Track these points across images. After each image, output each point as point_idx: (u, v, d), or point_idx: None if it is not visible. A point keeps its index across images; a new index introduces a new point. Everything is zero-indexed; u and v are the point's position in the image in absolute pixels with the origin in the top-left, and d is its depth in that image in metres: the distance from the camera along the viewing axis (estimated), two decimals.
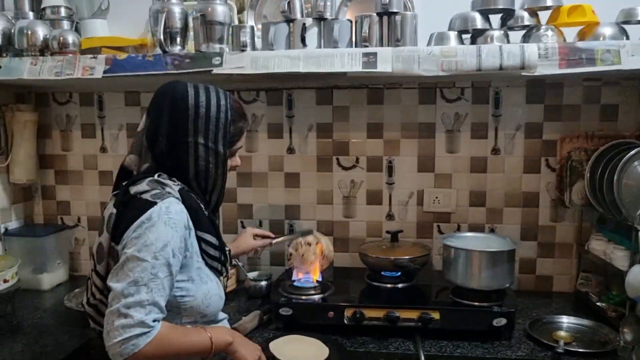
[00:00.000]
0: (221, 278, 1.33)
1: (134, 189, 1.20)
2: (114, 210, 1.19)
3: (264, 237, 1.80)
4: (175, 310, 1.20)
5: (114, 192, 1.27)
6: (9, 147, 2.10)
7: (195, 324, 1.25)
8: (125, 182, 1.24)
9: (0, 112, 2.09)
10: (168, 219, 1.14)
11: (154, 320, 1.10)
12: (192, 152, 1.23)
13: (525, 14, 1.70)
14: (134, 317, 1.07)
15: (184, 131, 1.23)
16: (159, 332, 1.10)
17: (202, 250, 1.25)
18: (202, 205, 1.27)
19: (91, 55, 1.77)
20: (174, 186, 1.21)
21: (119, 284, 1.09)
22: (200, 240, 1.24)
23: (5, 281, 1.79)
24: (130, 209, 1.17)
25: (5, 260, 1.90)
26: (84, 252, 2.29)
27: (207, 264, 1.26)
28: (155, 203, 1.14)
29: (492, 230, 2.03)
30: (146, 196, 1.16)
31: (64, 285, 2.17)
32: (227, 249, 1.37)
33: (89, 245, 2.28)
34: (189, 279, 1.21)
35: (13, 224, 2.17)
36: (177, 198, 1.19)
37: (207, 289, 1.25)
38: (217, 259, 1.29)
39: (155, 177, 1.22)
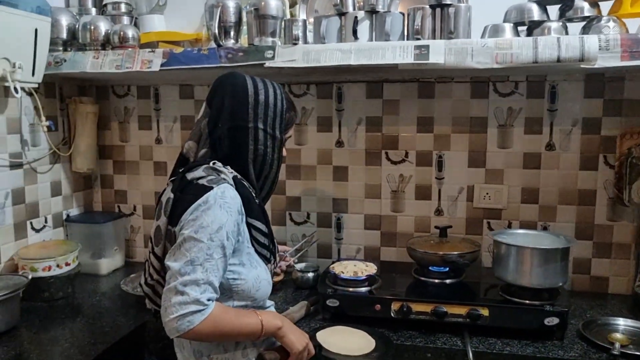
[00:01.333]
0: (269, 265, 1.36)
1: (190, 175, 1.24)
2: (172, 195, 1.23)
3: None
4: (227, 293, 1.24)
5: (171, 178, 1.32)
6: (71, 138, 2.21)
7: (245, 307, 1.28)
8: (182, 169, 1.29)
9: (64, 104, 2.19)
10: (223, 203, 1.17)
11: (209, 300, 1.14)
12: (252, 136, 1.29)
13: (586, 5, 1.64)
14: (190, 295, 1.11)
15: (244, 117, 1.28)
16: (213, 311, 1.14)
17: (252, 237, 1.28)
18: (254, 194, 1.30)
19: (149, 49, 1.84)
20: (228, 173, 1.25)
21: (176, 263, 1.14)
22: (250, 227, 1.27)
23: (67, 264, 1.89)
24: (186, 193, 1.21)
25: (67, 245, 2.00)
26: (139, 240, 2.38)
27: (256, 250, 1.30)
28: (212, 188, 1.18)
29: (545, 228, 1.98)
30: (202, 181, 1.20)
31: (120, 270, 2.26)
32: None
33: (143, 232, 2.37)
34: (240, 263, 1.25)
35: (74, 211, 2.28)
36: (231, 184, 1.23)
37: (257, 274, 1.28)
38: (266, 247, 1.32)
39: (211, 164, 1.26)
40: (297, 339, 1.28)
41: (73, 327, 1.68)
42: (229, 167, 1.28)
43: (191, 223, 1.16)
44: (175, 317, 1.11)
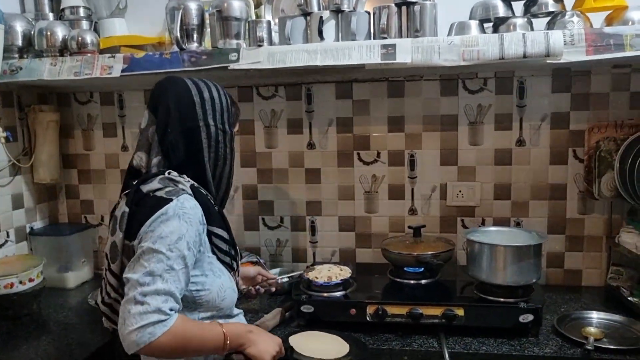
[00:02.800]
0: (232, 273, 1.33)
1: (145, 188, 1.21)
2: (127, 209, 1.20)
3: (267, 278, 1.73)
4: (191, 306, 1.21)
5: (124, 192, 1.27)
6: (32, 148, 2.13)
7: (211, 318, 1.25)
8: (136, 181, 1.25)
9: (24, 113, 2.11)
10: (183, 214, 1.15)
11: (171, 309, 1.10)
12: (205, 134, 1.28)
13: (550, 0, 1.64)
14: (151, 304, 1.07)
15: (194, 117, 1.27)
16: (175, 323, 1.10)
17: (213, 245, 1.26)
18: (212, 200, 1.29)
19: (109, 55, 1.78)
20: (185, 183, 1.23)
21: (135, 274, 1.10)
22: (211, 234, 1.25)
23: (30, 280, 1.81)
24: (143, 206, 1.17)
25: (30, 259, 1.92)
26: None
27: (218, 258, 1.27)
28: (171, 200, 1.16)
29: (517, 224, 1.98)
30: (160, 194, 1.18)
31: (89, 283, 2.19)
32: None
33: None
34: (202, 274, 1.22)
35: (38, 224, 2.20)
36: (190, 194, 1.20)
37: (221, 282, 1.26)
38: (228, 254, 1.30)
39: (166, 174, 1.23)
40: (264, 349, 1.24)
41: (38, 345, 1.61)
42: (184, 175, 1.25)
43: (149, 234, 1.13)
44: (135, 329, 1.05)
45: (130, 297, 1.08)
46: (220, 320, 1.25)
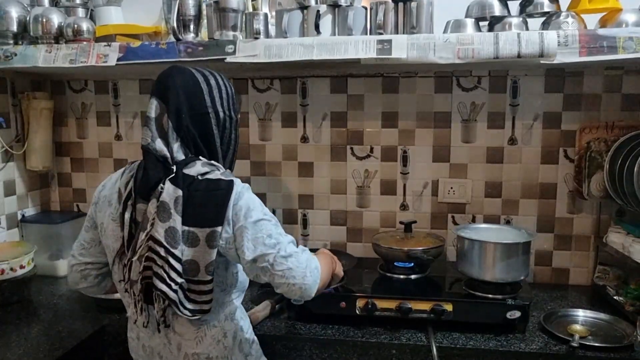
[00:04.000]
0: None
1: (192, 171, 1.22)
2: (180, 192, 1.19)
3: None
4: (228, 289, 1.28)
5: (169, 177, 1.21)
6: (25, 135, 2.12)
7: (239, 298, 1.35)
8: (175, 167, 1.22)
9: (17, 99, 2.10)
10: (248, 187, 1.24)
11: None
12: (214, 120, 1.29)
13: (545, 1, 1.65)
14: (299, 246, 1.22)
15: (203, 103, 1.27)
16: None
17: None
18: None
19: (105, 43, 1.77)
20: (221, 168, 1.28)
21: (263, 247, 1.17)
22: None
23: (21, 267, 1.82)
24: (200, 190, 1.20)
25: (21, 246, 1.92)
26: None
27: None
28: (232, 180, 1.21)
29: (507, 222, 2.00)
30: (215, 176, 1.22)
31: None
32: None
33: None
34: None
35: (30, 211, 2.20)
36: None
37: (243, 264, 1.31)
38: None
39: (202, 159, 1.26)
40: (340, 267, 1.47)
41: (28, 332, 1.61)
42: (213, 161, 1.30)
43: (240, 215, 1.18)
44: (313, 269, 1.19)
45: (286, 254, 1.17)
46: (239, 297, 1.36)
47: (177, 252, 1.18)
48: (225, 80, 1.35)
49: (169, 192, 1.19)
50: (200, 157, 1.27)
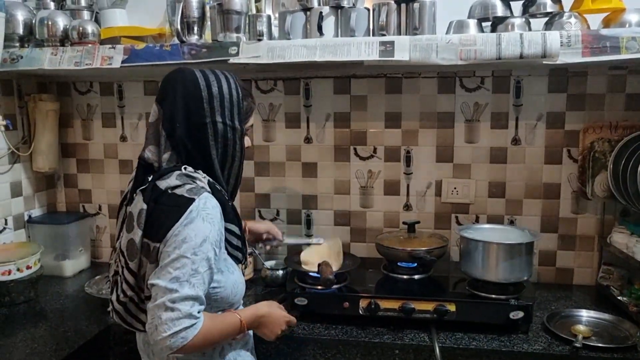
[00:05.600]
0: (240, 266, 1.35)
1: (163, 184, 1.19)
2: (145, 206, 1.17)
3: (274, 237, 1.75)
4: (207, 302, 1.21)
5: (140, 188, 1.23)
6: (31, 136, 2.14)
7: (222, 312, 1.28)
8: (151, 177, 1.22)
9: (24, 101, 2.12)
10: (206, 215, 1.14)
11: (199, 312, 1.13)
12: (212, 132, 1.23)
13: (548, 1, 1.65)
14: (182, 310, 1.09)
15: (201, 113, 1.22)
16: (204, 323, 1.13)
17: (226, 241, 1.25)
18: (226, 196, 1.28)
19: (110, 45, 1.79)
20: (203, 179, 1.21)
21: (161, 280, 1.11)
22: (226, 231, 1.24)
23: (28, 267, 1.83)
24: (164, 204, 1.16)
25: (28, 247, 1.95)
26: (105, 240, 2.33)
27: (229, 253, 1.27)
28: (193, 199, 1.15)
29: (511, 222, 2.00)
30: (180, 191, 1.16)
31: (86, 272, 2.21)
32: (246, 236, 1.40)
33: (109, 232, 2.32)
34: (219, 271, 1.22)
35: (36, 212, 2.22)
36: (209, 192, 1.19)
37: (235, 279, 1.28)
38: (239, 248, 1.30)
39: (183, 170, 1.21)
40: (271, 329, 1.34)
41: (35, 332, 1.63)
42: (200, 171, 1.23)
43: (174, 239, 1.12)
44: (169, 335, 1.08)
45: (160, 304, 1.09)
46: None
47: (132, 265, 1.18)
48: (233, 84, 1.28)
49: (137, 204, 1.20)
50: (184, 167, 1.21)
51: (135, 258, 1.18)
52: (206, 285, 1.15)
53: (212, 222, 1.15)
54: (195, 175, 1.21)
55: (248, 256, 1.60)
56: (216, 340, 1.20)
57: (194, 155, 1.24)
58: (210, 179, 1.24)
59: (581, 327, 1.59)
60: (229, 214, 1.25)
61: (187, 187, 1.17)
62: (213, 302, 1.23)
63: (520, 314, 1.56)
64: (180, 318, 1.09)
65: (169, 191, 1.17)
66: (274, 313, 1.36)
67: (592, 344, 1.48)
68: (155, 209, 1.17)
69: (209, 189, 1.20)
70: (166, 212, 1.15)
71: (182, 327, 1.08)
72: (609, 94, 1.88)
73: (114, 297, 1.25)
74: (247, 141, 1.35)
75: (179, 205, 1.14)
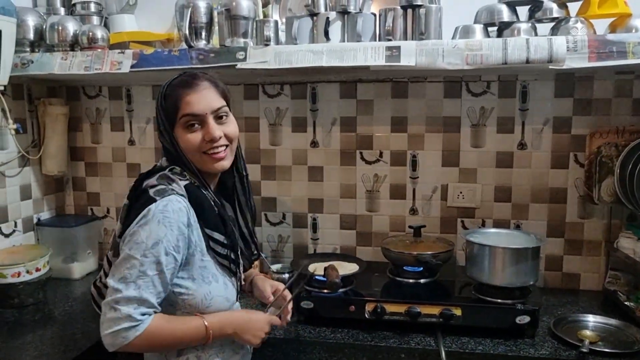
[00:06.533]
0: (233, 279, 1.31)
1: (145, 182, 1.23)
2: (126, 201, 1.25)
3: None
4: (174, 305, 1.22)
5: (131, 185, 1.31)
6: (41, 140, 2.16)
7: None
8: (141, 174, 1.28)
9: (34, 105, 2.15)
10: (163, 217, 1.14)
11: (143, 314, 1.13)
12: (161, 137, 1.30)
13: (554, 6, 1.66)
14: (122, 311, 1.11)
15: (157, 123, 1.30)
16: (150, 326, 1.13)
17: (210, 249, 1.24)
18: (212, 201, 1.27)
19: (119, 50, 1.80)
20: (180, 181, 1.22)
21: (111, 280, 1.14)
22: (208, 237, 1.24)
23: (37, 270, 1.85)
24: (136, 202, 1.20)
25: (37, 249, 1.97)
26: None
27: (217, 262, 1.26)
28: (155, 200, 1.15)
29: (517, 227, 2.00)
30: (152, 191, 1.18)
31: (94, 274, 2.21)
32: (239, 248, 1.33)
33: None
34: (189, 277, 1.22)
35: (45, 215, 2.24)
36: (182, 194, 1.19)
37: (209, 290, 1.24)
38: (227, 257, 1.27)
39: (167, 171, 1.24)
40: (253, 334, 1.29)
41: (43, 334, 1.64)
42: (186, 172, 1.25)
43: (128, 238, 1.15)
44: (110, 333, 1.11)
45: (106, 302, 1.13)
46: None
47: (109, 254, 1.27)
48: (160, 92, 1.27)
49: (125, 199, 1.26)
50: (171, 168, 1.25)
51: (112, 249, 1.24)
52: (159, 288, 1.14)
53: (168, 226, 1.14)
54: (174, 177, 1.22)
55: (253, 266, 1.55)
56: (167, 342, 1.19)
57: (173, 158, 1.28)
58: (196, 182, 1.25)
59: (588, 332, 1.59)
60: (211, 221, 1.24)
61: (159, 187, 1.18)
62: (180, 307, 1.22)
63: (527, 319, 1.56)
64: (120, 318, 1.11)
65: (147, 189, 1.19)
66: (254, 316, 1.33)
67: (599, 349, 1.48)
68: (131, 206, 1.21)
69: (181, 192, 1.19)
70: (133, 209, 1.18)
71: (121, 327, 1.11)
72: (615, 98, 1.88)
73: (95, 283, 1.33)
74: (201, 133, 1.24)
75: (141, 204, 1.17)
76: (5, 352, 1.52)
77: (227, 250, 1.27)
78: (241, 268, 1.36)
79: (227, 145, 1.27)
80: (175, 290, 1.21)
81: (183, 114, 1.23)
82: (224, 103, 1.28)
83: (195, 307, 1.23)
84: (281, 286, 1.51)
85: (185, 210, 1.18)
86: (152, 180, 1.21)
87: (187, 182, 1.23)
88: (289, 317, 1.44)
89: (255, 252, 1.44)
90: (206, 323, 1.21)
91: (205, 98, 1.24)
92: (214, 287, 1.25)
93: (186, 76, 1.28)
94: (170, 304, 1.21)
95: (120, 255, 1.15)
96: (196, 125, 1.24)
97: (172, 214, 1.15)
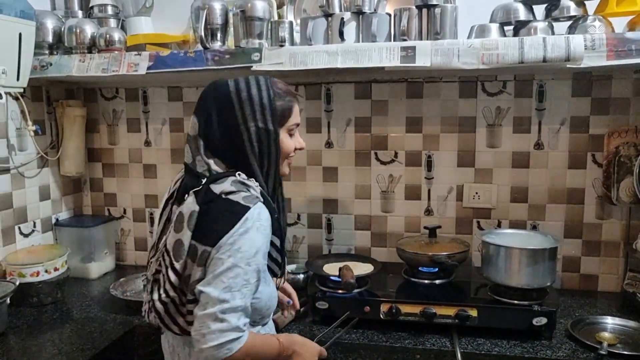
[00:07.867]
0: (275, 279, 1.36)
1: (217, 188, 1.19)
2: (197, 208, 1.17)
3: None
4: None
5: (194, 190, 1.21)
6: (59, 141, 2.19)
7: (253, 324, 1.27)
8: (205, 180, 1.22)
9: (52, 107, 2.18)
10: (260, 225, 1.16)
11: (244, 325, 1.15)
12: (247, 136, 1.22)
13: (572, 4, 1.64)
14: (231, 322, 1.11)
15: (234, 120, 1.23)
16: (248, 338, 1.15)
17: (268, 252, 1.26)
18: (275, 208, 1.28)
19: (135, 52, 1.82)
20: (256, 188, 1.22)
21: (213, 289, 1.12)
22: (270, 242, 1.25)
23: (55, 269, 1.88)
24: (218, 209, 1.17)
25: (55, 249, 1.99)
26: (129, 243, 2.38)
27: (267, 264, 1.27)
28: (249, 207, 1.16)
29: (534, 227, 1.98)
30: (236, 198, 1.17)
31: (111, 274, 2.25)
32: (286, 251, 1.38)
33: (134, 235, 2.36)
34: (262, 280, 1.24)
35: (63, 215, 2.27)
36: (262, 202, 1.20)
37: (271, 291, 1.29)
38: (276, 261, 1.32)
39: (237, 176, 1.21)
40: (309, 358, 1.31)
41: (62, 332, 1.67)
42: (253, 179, 1.23)
43: (228, 247, 1.13)
44: (215, 345, 1.10)
45: (210, 313, 1.11)
46: (257, 327, 1.31)
47: (177, 265, 1.18)
48: (265, 84, 1.26)
49: (189, 205, 1.19)
50: (238, 174, 1.22)
51: (182, 259, 1.17)
52: (252, 296, 1.17)
53: (264, 233, 1.17)
54: (248, 183, 1.21)
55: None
56: (258, 357, 1.20)
57: (234, 160, 1.25)
58: (262, 189, 1.24)
59: (606, 334, 1.57)
60: (274, 226, 1.25)
61: (242, 194, 1.18)
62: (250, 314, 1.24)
63: (544, 320, 1.54)
64: (229, 330, 1.11)
65: (223, 196, 1.17)
66: (308, 342, 1.36)
67: (617, 351, 1.46)
68: (208, 212, 1.17)
69: (262, 199, 1.21)
70: (220, 216, 1.16)
71: (229, 339, 1.11)
72: (634, 97, 1.86)
73: (155, 296, 1.24)
74: (294, 142, 1.32)
75: (234, 211, 1.15)
76: (24, 350, 1.55)
77: (279, 253, 1.31)
78: (285, 270, 1.40)
79: None
80: None
81: (295, 122, 1.30)
82: None
83: (259, 310, 1.26)
84: (286, 285, 1.59)
85: (270, 218, 1.21)
86: (227, 186, 1.19)
87: (259, 188, 1.24)
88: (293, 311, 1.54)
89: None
90: (280, 340, 1.25)
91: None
92: (272, 288, 1.30)
93: (283, 84, 1.31)
94: None
95: (219, 264, 1.13)
96: (295, 134, 1.33)
97: (266, 222, 1.18)
